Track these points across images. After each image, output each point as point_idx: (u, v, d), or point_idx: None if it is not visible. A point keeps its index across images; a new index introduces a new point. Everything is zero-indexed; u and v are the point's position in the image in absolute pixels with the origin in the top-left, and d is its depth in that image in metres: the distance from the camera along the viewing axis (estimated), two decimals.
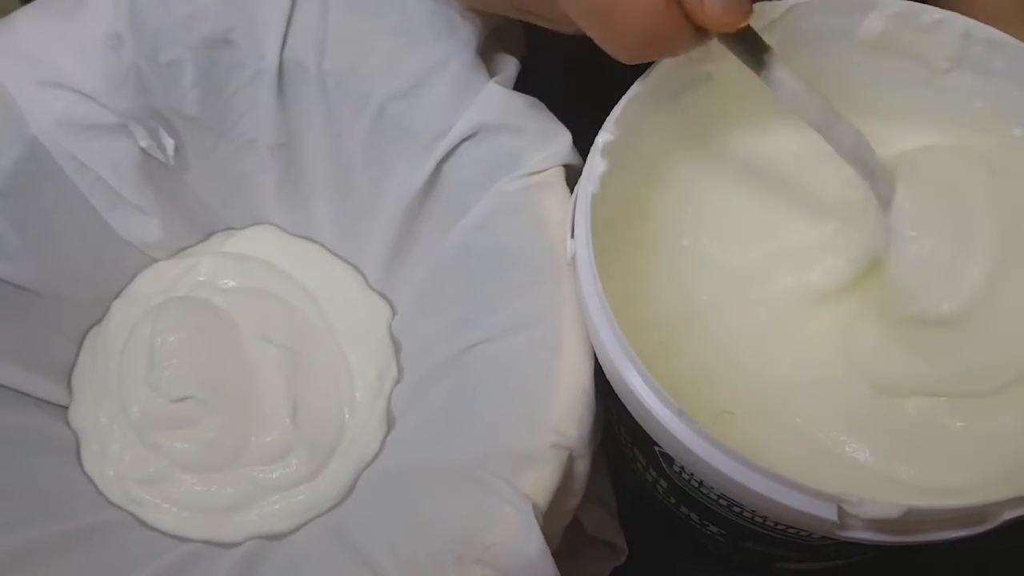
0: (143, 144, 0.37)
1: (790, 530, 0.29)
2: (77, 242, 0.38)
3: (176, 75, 0.36)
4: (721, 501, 0.30)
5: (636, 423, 0.29)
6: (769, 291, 0.34)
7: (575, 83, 0.40)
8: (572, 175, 0.34)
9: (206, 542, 0.35)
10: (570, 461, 0.29)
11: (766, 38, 0.32)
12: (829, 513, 0.25)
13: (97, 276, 0.40)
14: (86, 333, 0.41)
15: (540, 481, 0.28)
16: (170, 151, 0.38)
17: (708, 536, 0.35)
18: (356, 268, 0.41)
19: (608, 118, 0.31)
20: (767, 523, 0.29)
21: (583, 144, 0.34)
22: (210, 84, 0.37)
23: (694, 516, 0.34)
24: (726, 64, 0.33)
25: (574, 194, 0.31)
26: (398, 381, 0.38)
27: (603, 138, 0.30)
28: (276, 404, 0.37)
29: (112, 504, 0.37)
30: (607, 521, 0.35)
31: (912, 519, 0.25)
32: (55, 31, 0.35)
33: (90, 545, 0.33)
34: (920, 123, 0.35)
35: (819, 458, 0.31)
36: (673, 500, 0.34)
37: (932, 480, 0.30)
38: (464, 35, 0.34)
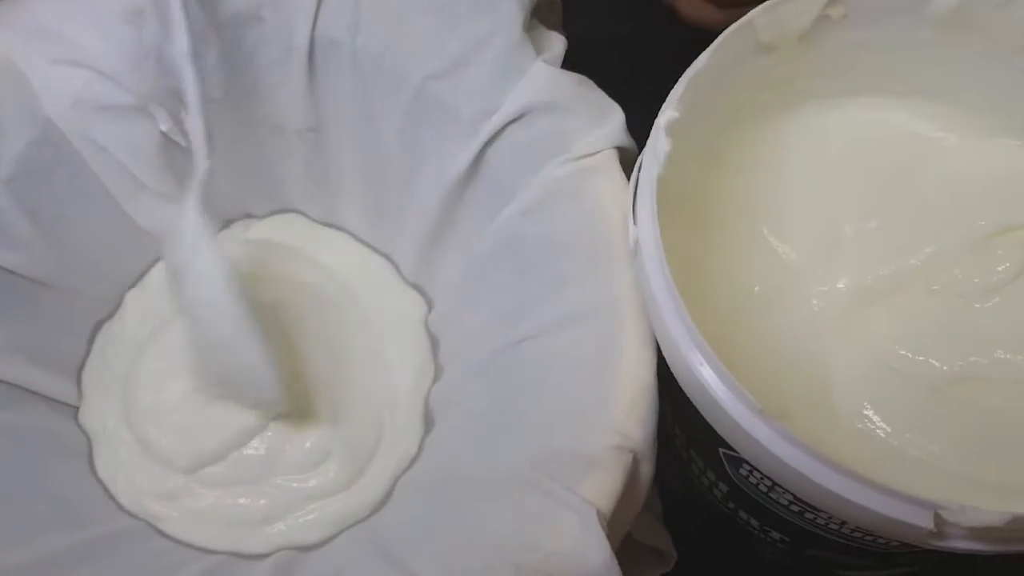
0: (164, 128, 0.35)
1: (867, 537, 0.28)
2: (92, 231, 0.36)
3: (200, 54, 0.34)
4: (793, 507, 0.28)
5: (698, 423, 0.27)
6: (825, 284, 0.33)
7: (617, 62, 0.39)
8: (625, 158, 0.32)
9: (231, 553, 0.33)
10: (634, 464, 0.27)
11: (833, 11, 0.31)
12: (924, 521, 0.24)
13: (113, 267, 0.38)
14: (98, 327, 0.39)
15: (603, 486, 0.26)
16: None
17: (767, 542, 0.33)
18: (389, 259, 0.40)
19: (671, 95, 0.29)
20: (842, 530, 0.28)
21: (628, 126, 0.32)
22: (236, 64, 0.35)
23: (754, 521, 0.32)
24: (787, 39, 0.31)
25: (634, 178, 0.29)
26: (436, 379, 0.36)
27: (667, 116, 0.28)
28: (313, 406, 0.35)
29: (128, 513, 0.34)
30: (654, 526, 0.33)
31: (1017, 527, 0.23)
32: (71, 6, 0.33)
33: (108, 556, 0.31)
34: (987, 107, 0.33)
35: (890, 460, 0.30)
36: (732, 505, 0.32)
37: (1018, 479, 0.28)
38: (508, 11, 0.32)
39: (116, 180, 0.36)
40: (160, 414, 0.35)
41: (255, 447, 0.34)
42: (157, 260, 0.39)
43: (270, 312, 0.36)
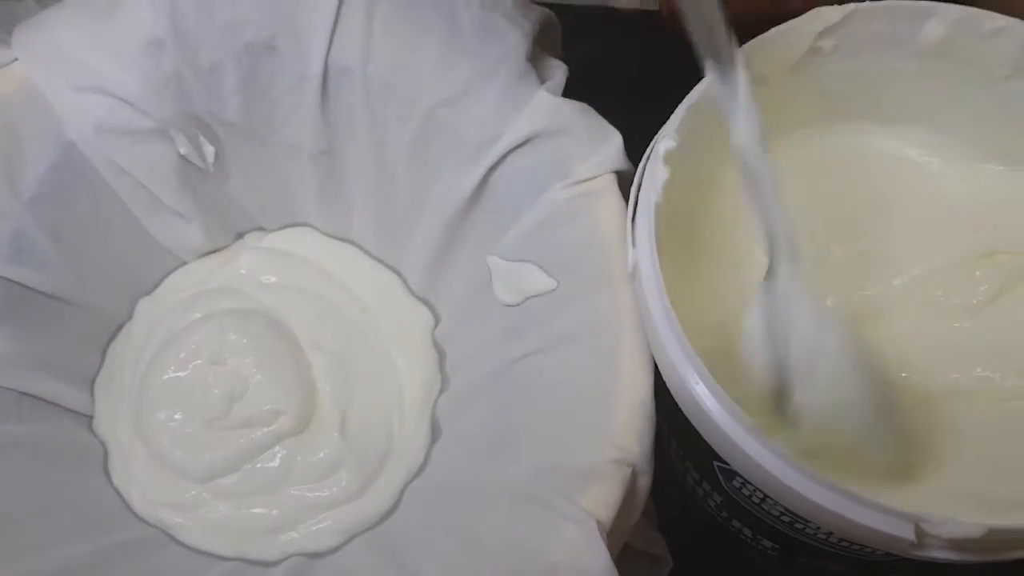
0: (183, 151, 0.36)
1: (854, 547, 0.29)
2: (112, 249, 0.37)
3: (218, 81, 0.35)
4: (783, 517, 0.29)
5: (693, 437, 0.28)
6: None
7: (614, 80, 0.40)
8: (622, 180, 0.33)
9: (243, 560, 0.34)
10: (633, 477, 0.28)
11: (824, 43, 0.32)
12: (907, 533, 0.25)
13: (131, 284, 0.39)
14: (113, 337, 0.39)
15: (603, 498, 0.28)
16: (210, 158, 0.37)
17: (759, 550, 0.34)
18: (397, 273, 0.40)
19: (668, 124, 0.30)
20: (831, 539, 0.29)
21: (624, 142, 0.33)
22: (252, 90, 0.36)
23: (747, 530, 0.33)
24: (780, 70, 0.32)
25: (632, 202, 0.30)
26: (443, 390, 0.38)
27: (665, 145, 0.29)
28: (325, 416, 0.36)
29: (144, 521, 0.35)
30: (651, 533, 0.34)
31: (993, 538, 0.24)
32: (93, 35, 0.34)
33: (124, 564, 0.32)
34: (972, 134, 0.34)
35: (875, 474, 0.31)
36: (726, 514, 0.33)
37: (999, 491, 0.30)
38: (513, 41, 0.33)
39: (136, 200, 0.37)
40: (173, 429, 0.36)
41: (269, 459, 0.35)
42: (172, 271, 0.40)
43: (281, 321, 0.38)
